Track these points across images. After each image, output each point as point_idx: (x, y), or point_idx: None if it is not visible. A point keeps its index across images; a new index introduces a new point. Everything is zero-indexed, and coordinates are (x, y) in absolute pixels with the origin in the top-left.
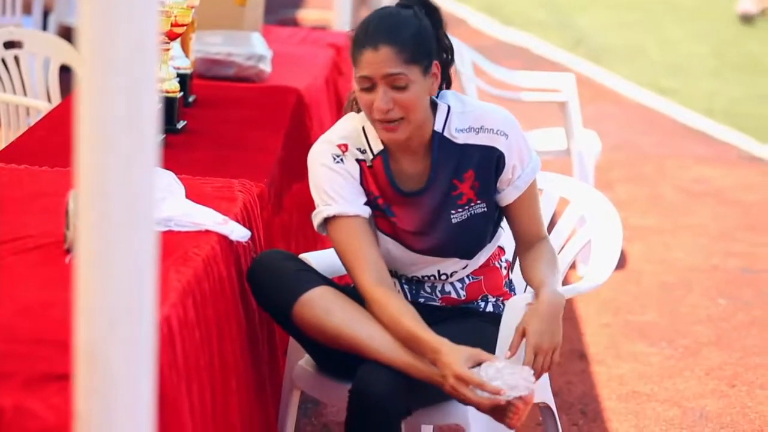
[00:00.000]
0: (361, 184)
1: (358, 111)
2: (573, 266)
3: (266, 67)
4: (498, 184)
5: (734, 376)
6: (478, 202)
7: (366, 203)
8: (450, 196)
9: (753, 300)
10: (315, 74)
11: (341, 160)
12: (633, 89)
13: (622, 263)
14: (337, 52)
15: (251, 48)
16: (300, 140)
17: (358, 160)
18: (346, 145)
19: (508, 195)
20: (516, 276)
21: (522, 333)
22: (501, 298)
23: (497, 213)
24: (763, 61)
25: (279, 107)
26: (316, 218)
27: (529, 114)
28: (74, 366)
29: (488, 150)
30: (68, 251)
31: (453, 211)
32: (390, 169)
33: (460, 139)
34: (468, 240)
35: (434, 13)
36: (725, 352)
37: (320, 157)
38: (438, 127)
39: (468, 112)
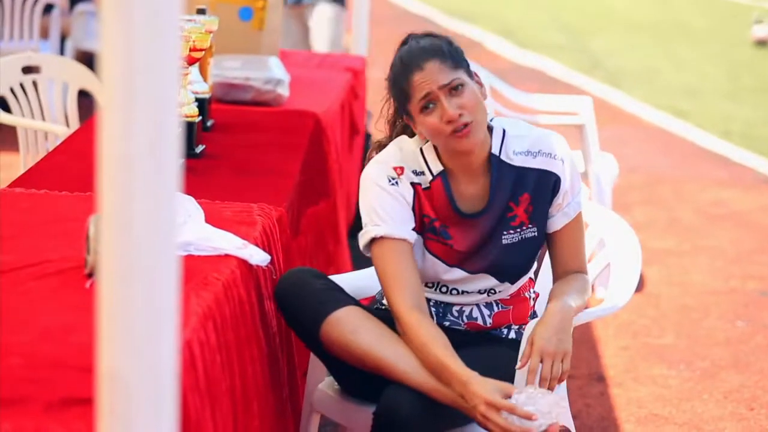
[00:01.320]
0: (414, 208)
1: (411, 135)
2: (592, 289)
3: (284, 91)
4: (550, 209)
5: (753, 399)
6: (530, 225)
7: (419, 227)
8: (505, 217)
9: None
10: (332, 98)
11: (396, 182)
12: (649, 112)
13: (640, 286)
14: (354, 76)
15: (269, 72)
16: (317, 164)
17: (413, 184)
18: (402, 168)
19: (557, 221)
20: (540, 306)
21: (531, 341)
22: (524, 326)
23: (545, 241)
24: None
25: (297, 131)
26: (363, 238)
27: None
28: (96, 390)
29: (545, 174)
30: (89, 276)
31: (505, 233)
32: (450, 189)
33: (517, 161)
34: (515, 263)
35: (446, 37)
36: (744, 374)
37: (375, 177)
38: (495, 150)
39: (525, 136)
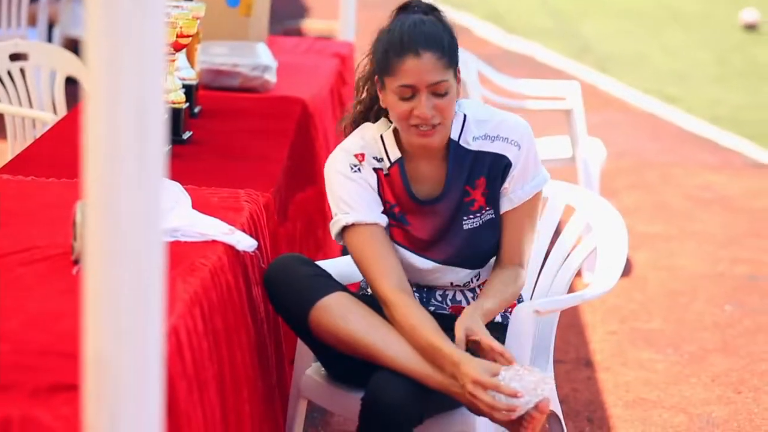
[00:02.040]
0: (378, 193)
1: (374, 120)
2: (579, 274)
3: (271, 77)
4: (501, 191)
5: (740, 383)
6: (488, 209)
7: (382, 212)
8: (463, 202)
9: (759, 306)
10: (320, 84)
11: (359, 169)
12: (638, 97)
13: (628, 270)
14: (342, 62)
15: (256, 58)
16: (305, 150)
17: (375, 169)
18: (363, 155)
19: (502, 205)
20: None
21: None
22: (509, 309)
23: None
24: (767, 67)
25: (284, 117)
26: (335, 227)
27: (534, 122)
28: (82, 376)
29: (499, 158)
30: (76, 262)
31: (465, 218)
32: (407, 176)
33: (474, 146)
34: (480, 247)
35: (443, 16)
36: (731, 358)
37: (338, 166)
38: (454, 135)
39: (486, 120)
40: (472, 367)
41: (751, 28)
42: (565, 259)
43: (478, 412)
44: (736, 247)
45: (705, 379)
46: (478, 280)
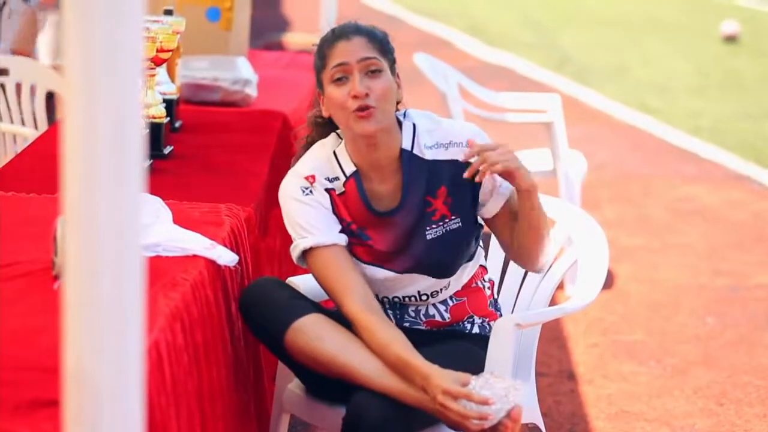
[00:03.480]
0: (333, 212)
1: (324, 136)
2: (561, 286)
3: (252, 91)
4: (480, 198)
5: (722, 395)
6: (453, 217)
7: (341, 231)
8: (424, 212)
9: (741, 318)
10: (301, 98)
11: (310, 191)
12: (618, 109)
13: (609, 283)
14: None
15: (237, 72)
16: (286, 164)
17: (327, 190)
18: (313, 176)
19: (494, 205)
20: (501, 296)
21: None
22: (487, 319)
23: (476, 229)
24: (748, 78)
25: (265, 131)
26: (295, 252)
27: (514, 135)
28: (63, 392)
29: (459, 165)
30: (57, 277)
31: (428, 228)
32: (363, 189)
33: (429, 155)
34: (444, 256)
35: (387, 34)
36: (713, 370)
37: (289, 191)
38: (406, 145)
39: (435, 129)
40: (442, 377)
41: (731, 39)
42: (547, 272)
43: (452, 424)
44: (717, 259)
45: (687, 391)
46: (447, 290)
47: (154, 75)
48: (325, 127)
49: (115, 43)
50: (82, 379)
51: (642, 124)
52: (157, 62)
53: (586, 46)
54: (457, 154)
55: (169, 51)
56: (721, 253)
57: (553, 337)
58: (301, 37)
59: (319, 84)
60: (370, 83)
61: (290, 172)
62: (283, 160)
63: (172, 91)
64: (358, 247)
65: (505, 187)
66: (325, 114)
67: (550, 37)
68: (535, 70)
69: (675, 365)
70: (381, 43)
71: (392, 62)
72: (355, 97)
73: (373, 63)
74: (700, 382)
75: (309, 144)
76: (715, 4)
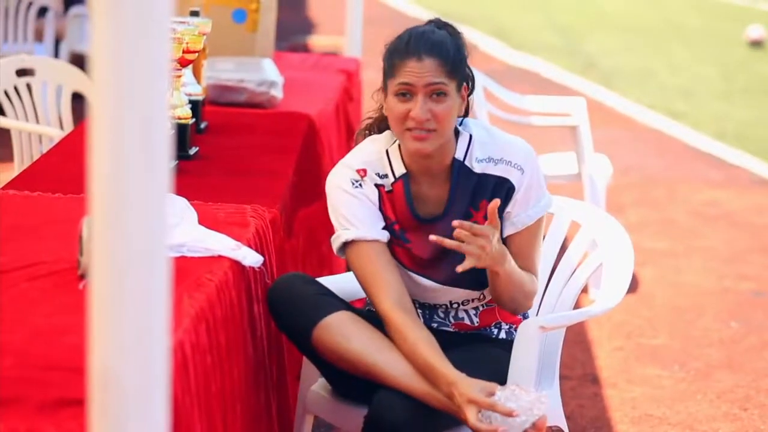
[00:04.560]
0: (379, 209)
1: (379, 132)
2: (585, 290)
3: (278, 93)
4: (503, 215)
5: (746, 399)
6: None
7: (383, 228)
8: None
9: (765, 323)
10: (326, 100)
11: (360, 185)
12: (643, 113)
13: (634, 287)
14: (348, 78)
15: (262, 74)
16: (311, 165)
17: (377, 185)
18: (365, 170)
19: (505, 229)
20: None
21: None
22: (514, 326)
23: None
24: None
25: (290, 133)
26: (336, 242)
27: (540, 138)
28: (88, 391)
29: (502, 181)
30: (82, 277)
31: None
32: (410, 192)
33: (478, 168)
34: (480, 270)
35: (461, 38)
36: (737, 375)
37: (339, 181)
38: (459, 155)
39: (491, 143)
40: (469, 386)
41: (756, 44)
42: (571, 276)
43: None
44: (741, 263)
45: (711, 395)
46: (478, 300)
47: (180, 76)
48: (384, 121)
49: (143, 44)
50: (107, 379)
51: (667, 128)
52: (183, 63)
53: (612, 51)
54: (504, 172)
55: (195, 52)
56: (745, 258)
57: (577, 340)
58: (327, 40)
59: (384, 85)
60: (433, 106)
61: (340, 163)
62: (307, 161)
63: (197, 92)
64: (397, 248)
65: (521, 221)
66: (384, 112)
67: (575, 41)
68: (560, 74)
69: (699, 369)
70: (453, 63)
71: (462, 76)
72: (414, 120)
73: (439, 88)
74: (724, 386)
75: (369, 133)
76: (741, 9)
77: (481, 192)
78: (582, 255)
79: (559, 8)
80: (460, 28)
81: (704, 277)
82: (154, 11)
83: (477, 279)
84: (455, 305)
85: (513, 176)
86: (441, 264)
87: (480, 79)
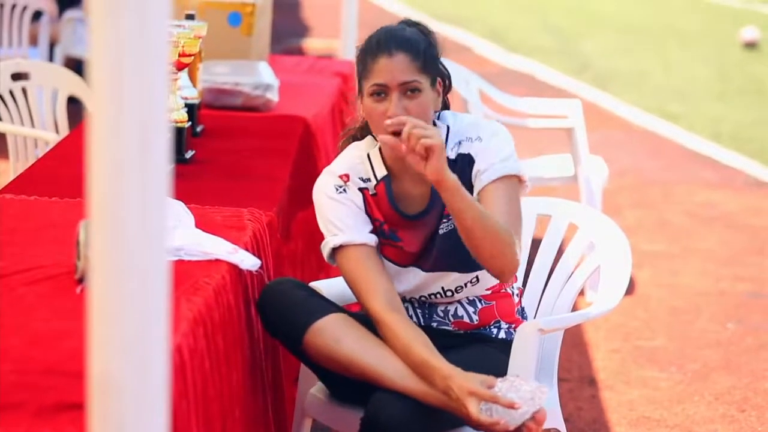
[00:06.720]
0: (366, 212)
1: (361, 137)
2: (582, 292)
3: (273, 96)
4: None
5: (744, 401)
6: None
7: (372, 231)
8: (442, 208)
9: (762, 324)
10: (322, 103)
11: (344, 190)
12: (638, 115)
13: (630, 289)
14: (344, 81)
15: (258, 77)
16: (307, 168)
17: (360, 189)
18: (347, 175)
19: (474, 191)
20: (528, 303)
21: None
22: (513, 326)
23: None
24: None
25: (286, 136)
26: (325, 249)
27: (535, 140)
28: (87, 396)
29: (464, 157)
30: (79, 281)
31: (441, 222)
32: (392, 193)
33: (452, 155)
34: (458, 249)
35: (431, 36)
36: (734, 376)
37: (324, 188)
38: None
39: (459, 128)
40: (466, 379)
41: (751, 46)
42: (569, 278)
43: (475, 425)
44: (738, 264)
45: (708, 397)
46: (472, 287)
47: (176, 79)
48: (365, 128)
49: (141, 48)
50: (106, 384)
51: (662, 130)
52: (178, 67)
53: (607, 52)
54: (465, 148)
55: (190, 55)
56: (742, 259)
57: (574, 342)
58: (322, 43)
59: (359, 87)
60: (407, 103)
61: (325, 171)
62: (304, 164)
63: (193, 95)
64: (389, 248)
65: (486, 176)
66: (362, 115)
67: (570, 43)
68: (555, 76)
69: (696, 371)
70: (424, 57)
71: (435, 70)
72: (390, 118)
73: (413, 84)
74: (721, 387)
75: (350, 140)
76: (735, 11)
77: (457, 175)
78: (579, 257)
79: (553, 10)
80: (458, 30)
81: (701, 278)
82: (153, 15)
83: (464, 260)
84: (449, 293)
85: (472, 149)
86: (430, 253)
87: (476, 82)
